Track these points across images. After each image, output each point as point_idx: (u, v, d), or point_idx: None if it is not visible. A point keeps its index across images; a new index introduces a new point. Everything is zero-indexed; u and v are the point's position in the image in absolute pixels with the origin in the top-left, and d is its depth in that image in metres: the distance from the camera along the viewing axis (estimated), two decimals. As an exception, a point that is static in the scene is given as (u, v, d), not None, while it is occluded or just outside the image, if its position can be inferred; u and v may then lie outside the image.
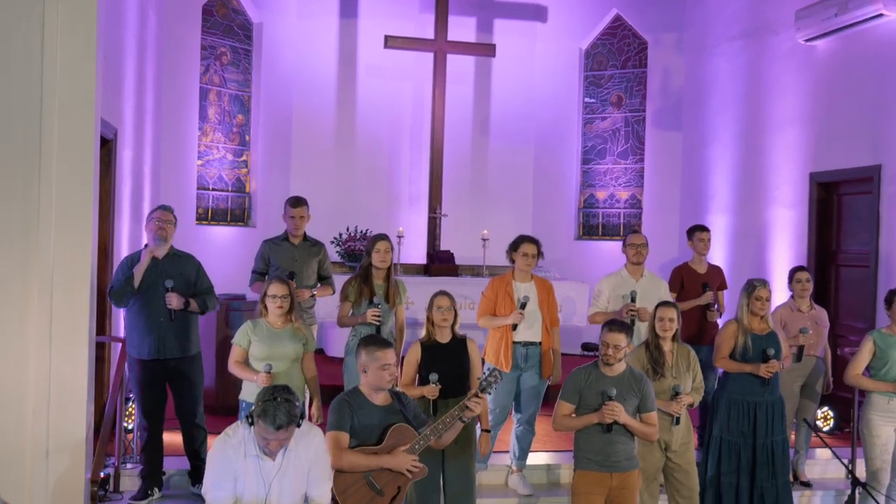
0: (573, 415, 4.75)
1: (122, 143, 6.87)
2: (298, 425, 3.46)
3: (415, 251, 10.20)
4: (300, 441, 3.59)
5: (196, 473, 5.41)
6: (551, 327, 5.80)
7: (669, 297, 6.09)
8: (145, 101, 8.09)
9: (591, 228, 11.16)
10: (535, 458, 6.15)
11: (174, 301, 5.25)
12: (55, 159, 4.68)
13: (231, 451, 3.52)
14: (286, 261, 5.97)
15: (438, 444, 4.24)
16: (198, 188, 9.83)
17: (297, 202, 6.08)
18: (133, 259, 5.42)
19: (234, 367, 5.01)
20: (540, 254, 5.76)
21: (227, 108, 10.20)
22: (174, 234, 5.44)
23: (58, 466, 4.71)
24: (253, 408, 3.46)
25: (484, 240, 9.57)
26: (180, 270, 5.38)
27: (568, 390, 4.77)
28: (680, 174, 10.43)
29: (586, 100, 11.15)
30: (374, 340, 4.23)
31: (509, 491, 5.84)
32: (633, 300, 5.83)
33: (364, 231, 9.54)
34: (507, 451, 5.94)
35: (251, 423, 3.47)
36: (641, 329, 5.75)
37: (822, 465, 6.49)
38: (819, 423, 7.09)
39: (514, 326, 5.62)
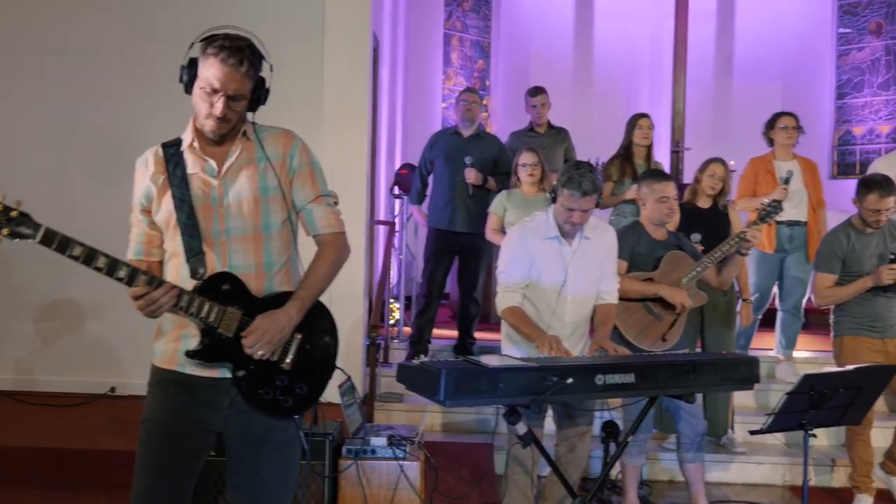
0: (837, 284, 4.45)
1: (381, 58, 7.27)
2: (598, 203, 3.49)
3: (657, 188, 9.99)
4: (594, 231, 3.62)
5: (461, 346, 5.60)
6: (818, 208, 5.51)
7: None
8: (397, 34, 8.53)
9: (847, 167, 10.43)
10: (802, 355, 5.86)
11: (472, 176, 5.48)
12: (336, 57, 5.14)
13: (529, 233, 3.58)
14: (535, 151, 6.07)
15: (720, 282, 4.12)
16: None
17: (536, 91, 6.15)
18: (431, 143, 5.78)
19: (490, 234, 5.17)
20: (799, 127, 5.48)
21: (469, 54, 10.52)
22: (479, 114, 5.77)
23: (341, 314, 5.05)
24: (555, 182, 3.54)
25: (731, 171, 9.20)
26: (481, 149, 5.60)
27: (826, 259, 4.46)
28: (952, 100, 9.53)
29: (840, 30, 10.46)
30: (653, 173, 4.18)
31: (775, 381, 5.58)
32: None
33: (605, 162, 9.45)
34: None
35: (554, 200, 3.53)
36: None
37: None
38: None
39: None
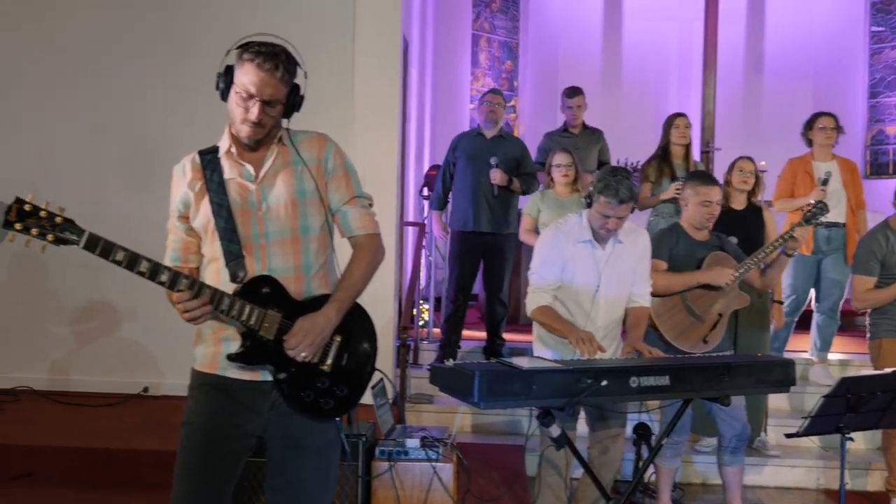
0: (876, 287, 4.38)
1: (410, 59, 7.28)
2: (633, 209, 3.48)
3: (685, 190, 9.95)
4: (628, 236, 3.61)
5: (491, 348, 5.60)
6: (857, 209, 5.44)
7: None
8: (426, 35, 8.55)
9: (880, 167, 10.30)
10: (833, 357, 5.79)
11: (497, 177, 5.47)
12: (367, 58, 5.14)
13: (563, 236, 3.57)
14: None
15: (764, 284, 4.09)
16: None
17: (573, 92, 6.13)
18: (453, 145, 5.76)
19: (524, 235, 5.18)
20: (839, 127, 5.43)
21: (497, 55, 10.51)
22: (503, 115, 5.75)
23: (372, 315, 5.03)
24: (591, 188, 3.52)
25: (762, 171, 9.11)
26: (505, 150, 5.59)
27: (864, 262, 4.40)
28: None
29: (873, 28, 10.34)
30: (700, 175, 4.14)
31: (809, 383, 5.52)
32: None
33: (635, 163, 9.42)
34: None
35: (589, 205, 3.52)
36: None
37: None
38: None
39: None
